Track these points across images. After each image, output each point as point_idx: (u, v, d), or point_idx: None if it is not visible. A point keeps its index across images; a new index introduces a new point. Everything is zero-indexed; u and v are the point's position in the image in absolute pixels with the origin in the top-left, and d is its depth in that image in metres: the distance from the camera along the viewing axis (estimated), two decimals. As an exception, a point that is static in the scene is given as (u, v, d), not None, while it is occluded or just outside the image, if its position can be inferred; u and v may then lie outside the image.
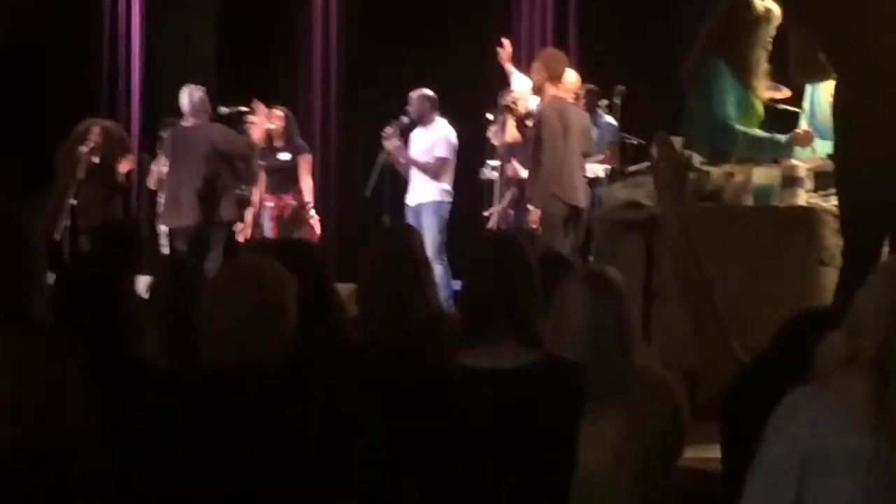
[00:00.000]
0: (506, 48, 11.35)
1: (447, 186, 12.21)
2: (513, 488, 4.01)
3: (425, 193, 12.15)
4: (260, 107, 11.34)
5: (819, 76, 6.43)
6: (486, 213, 11.89)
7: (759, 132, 7.30)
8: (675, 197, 4.63)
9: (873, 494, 3.13)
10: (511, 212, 11.08)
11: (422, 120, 12.22)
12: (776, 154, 7.25)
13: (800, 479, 3.20)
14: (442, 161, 12.15)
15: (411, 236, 5.56)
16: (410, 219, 11.91)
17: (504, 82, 11.65)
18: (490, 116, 11.43)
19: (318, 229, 12.10)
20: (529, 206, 10.23)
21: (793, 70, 6.62)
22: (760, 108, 7.40)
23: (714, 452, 4.80)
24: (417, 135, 12.29)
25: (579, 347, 4.22)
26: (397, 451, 4.27)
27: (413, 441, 4.17)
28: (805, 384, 3.35)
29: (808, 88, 7.21)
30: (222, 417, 3.92)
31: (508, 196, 11.40)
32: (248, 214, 11.79)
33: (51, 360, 4.09)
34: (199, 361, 4.12)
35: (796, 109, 7.60)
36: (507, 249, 4.31)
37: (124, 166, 11.87)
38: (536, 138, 9.90)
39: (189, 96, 11.21)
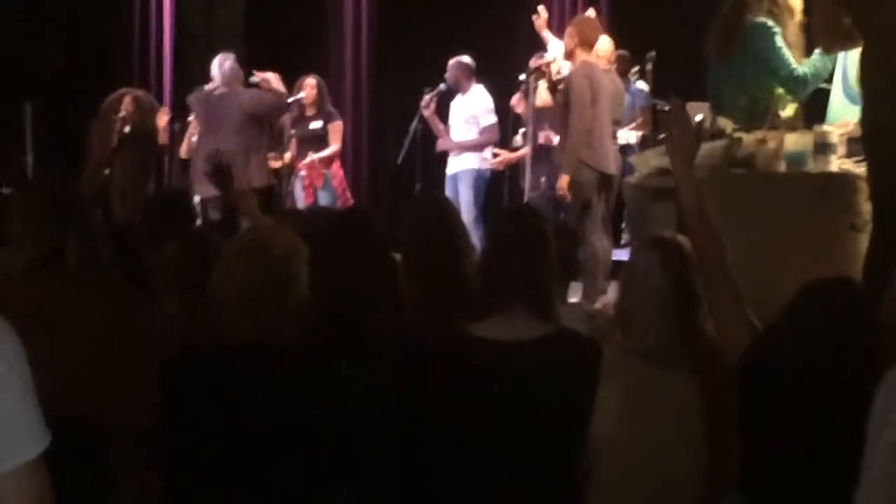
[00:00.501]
0: (541, 15, 11.32)
1: (487, 155, 12.20)
2: (524, 458, 4.02)
3: (464, 162, 12.13)
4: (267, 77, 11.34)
5: (847, 43, 6.38)
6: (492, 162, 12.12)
7: (813, 62, 7.17)
8: (687, 165, 4.68)
9: None
10: (542, 178, 11.03)
11: (458, 87, 12.22)
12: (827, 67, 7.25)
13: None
14: (488, 131, 12.16)
15: (447, 205, 5.56)
16: (448, 187, 12.02)
17: (538, 48, 11.65)
18: (522, 77, 11.32)
19: (349, 196, 12.19)
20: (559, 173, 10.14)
21: (821, 38, 6.65)
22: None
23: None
24: (456, 103, 12.29)
25: (648, 309, 4.27)
26: (410, 419, 4.27)
27: (427, 409, 4.17)
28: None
29: (840, 57, 7.12)
30: (237, 391, 3.95)
31: (524, 150, 11.48)
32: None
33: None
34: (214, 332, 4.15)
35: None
36: (526, 222, 4.31)
37: (161, 120, 11.91)
38: (565, 103, 9.83)
39: (220, 65, 11.16)
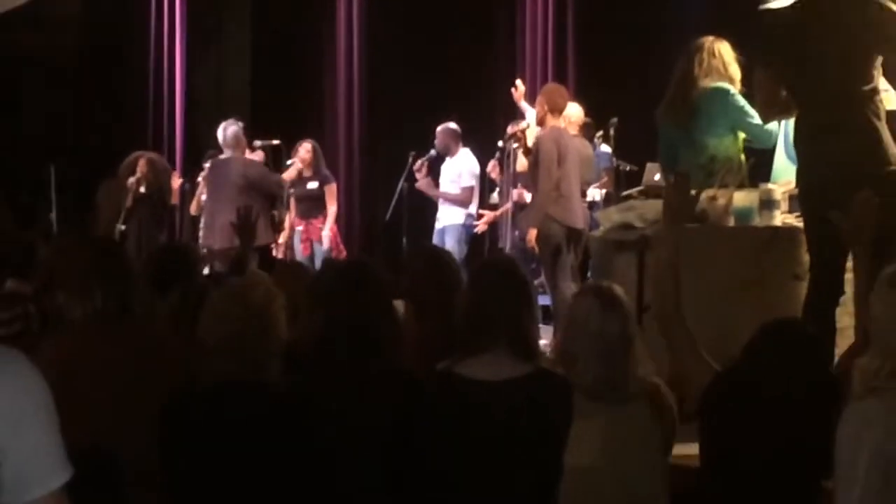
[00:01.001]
0: (518, 88, 11.35)
1: (472, 211, 12.24)
2: (508, 484, 4.03)
3: (451, 217, 12.19)
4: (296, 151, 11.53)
5: (784, 113, 6.44)
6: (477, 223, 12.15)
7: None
8: (679, 225, 4.84)
9: None
10: (516, 232, 11.05)
11: (447, 151, 12.27)
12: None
13: (888, 483, 3.29)
14: (468, 190, 12.21)
15: (447, 256, 5.66)
16: (436, 238, 12.04)
17: (511, 116, 11.72)
18: (500, 144, 11.37)
19: (342, 249, 12.20)
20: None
21: (760, 110, 6.69)
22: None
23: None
24: (445, 166, 12.31)
25: (587, 353, 4.27)
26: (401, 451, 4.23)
27: (420, 442, 4.16)
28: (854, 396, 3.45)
29: (782, 124, 7.14)
30: (225, 425, 3.95)
31: (504, 207, 11.45)
32: (281, 237, 11.84)
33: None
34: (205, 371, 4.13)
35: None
36: (507, 271, 4.34)
37: (175, 183, 12.05)
38: (535, 164, 9.82)
39: (224, 130, 11.12)
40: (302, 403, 4.09)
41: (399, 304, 4.99)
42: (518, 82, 11.57)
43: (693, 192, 5.97)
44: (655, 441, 4.40)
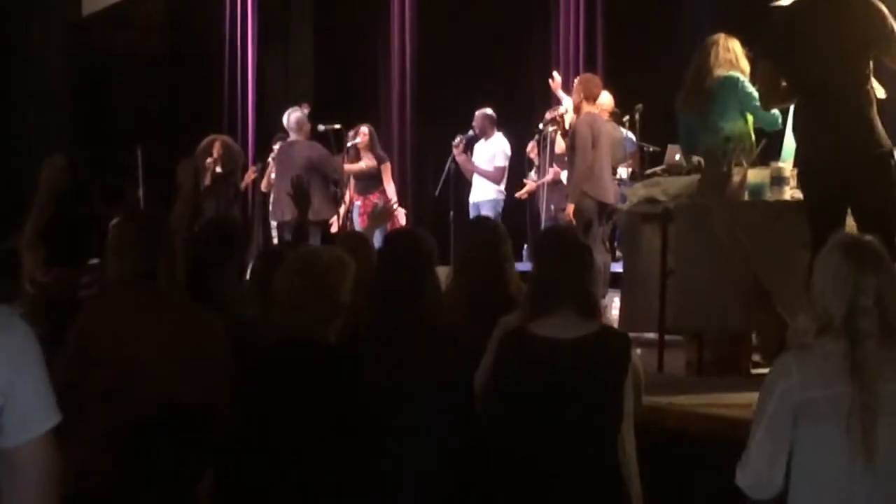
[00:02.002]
0: (556, 79, 11.29)
1: (502, 188, 12.37)
2: (572, 434, 3.99)
3: (485, 193, 12.29)
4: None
5: (784, 101, 6.35)
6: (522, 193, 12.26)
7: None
8: (717, 196, 4.74)
9: (854, 435, 3.19)
10: (552, 206, 11.12)
11: (483, 134, 12.34)
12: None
13: (792, 427, 3.27)
14: (501, 169, 12.30)
15: (498, 228, 5.53)
16: (472, 213, 12.06)
17: (546, 103, 11.78)
18: (540, 127, 11.44)
19: (402, 221, 12.10)
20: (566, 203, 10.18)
21: (762, 98, 6.61)
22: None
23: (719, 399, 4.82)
24: (480, 146, 12.38)
25: None
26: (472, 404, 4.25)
27: (487, 395, 4.17)
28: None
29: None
30: (290, 379, 3.97)
31: (543, 179, 11.55)
32: (341, 210, 11.81)
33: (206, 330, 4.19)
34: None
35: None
36: (570, 240, 4.34)
37: (249, 176, 12.09)
38: (571, 146, 9.84)
39: (288, 117, 11.38)
40: (354, 361, 4.07)
41: (443, 270, 4.93)
42: (555, 73, 11.53)
43: (677, 157, 5.93)
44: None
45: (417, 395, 4.09)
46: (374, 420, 4.00)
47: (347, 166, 11.92)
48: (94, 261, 5.53)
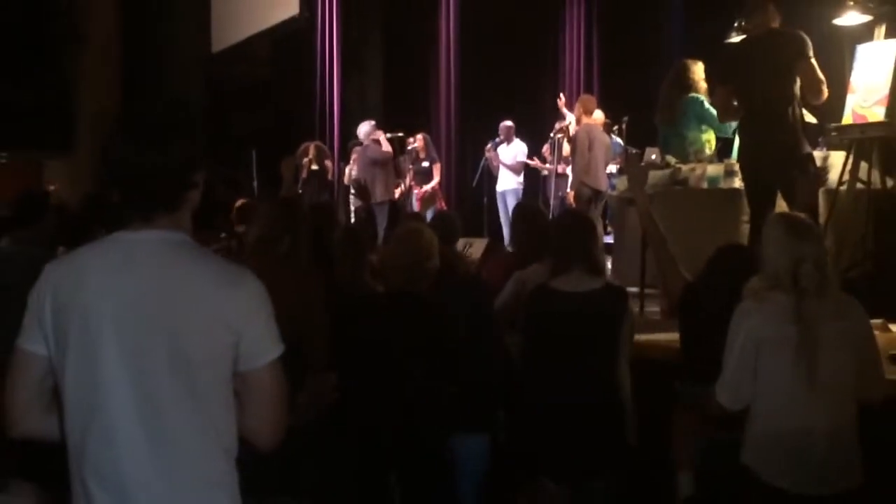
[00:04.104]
0: (562, 99, 11.39)
1: (521, 179, 12.34)
2: (587, 362, 4.01)
3: (508, 183, 12.24)
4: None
5: (735, 116, 6.32)
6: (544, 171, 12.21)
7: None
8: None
9: (802, 364, 3.20)
10: (560, 192, 11.18)
11: (506, 140, 12.32)
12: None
13: (756, 356, 3.26)
14: (521, 164, 12.29)
15: (539, 208, 5.65)
16: (498, 199, 12.14)
17: (553, 116, 11.77)
18: (551, 135, 11.42)
19: (444, 205, 12.18)
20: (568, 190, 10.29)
21: (719, 114, 6.58)
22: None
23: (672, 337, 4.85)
24: (503, 149, 12.35)
25: None
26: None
27: (523, 333, 4.21)
28: (740, 300, 3.38)
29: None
30: (396, 320, 3.98)
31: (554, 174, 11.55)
32: (397, 194, 11.81)
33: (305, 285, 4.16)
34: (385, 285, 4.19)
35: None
36: (581, 217, 4.43)
37: (329, 167, 12.12)
38: (572, 149, 9.91)
39: (360, 127, 11.42)
40: (443, 307, 4.08)
41: (480, 242, 5.00)
42: (561, 94, 11.66)
43: (653, 157, 5.87)
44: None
45: (459, 305, 4.19)
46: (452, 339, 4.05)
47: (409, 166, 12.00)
48: (223, 235, 5.64)
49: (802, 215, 3.53)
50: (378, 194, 10.87)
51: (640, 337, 4.92)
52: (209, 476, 2.16)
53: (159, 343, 2.11)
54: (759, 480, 3.28)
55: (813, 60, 5.75)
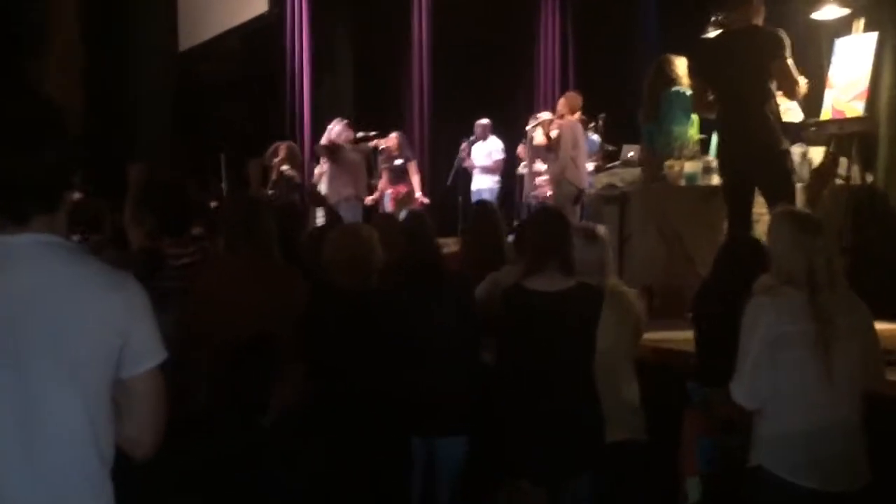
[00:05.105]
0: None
1: (497, 178, 12.36)
2: (561, 358, 4.02)
3: (483, 182, 12.28)
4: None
5: (709, 110, 6.37)
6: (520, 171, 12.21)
7: None
8: (649, 183, 4.76)
9: (819, 358, 3.25)
10: (532, 192, 11.21)
11: (481, 137, 12.34)
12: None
13: (774, 353, 3.28)
14: (499, 162, 12.32)
15: (495, 211, 5.61)
16: (473, 198, 11.98)
17: (528, 112, 11.88)
18: (528, 127, 11.38)
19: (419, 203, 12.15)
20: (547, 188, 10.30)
21: (695, 108, 6.66)
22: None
23: (667, 336, 4.86)
24: (478, 147, 12.37)
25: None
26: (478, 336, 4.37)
27: (497, 334, 4.23)
28: (754, 295, 3.40)
29: None
30: (342, 315, 4.04)
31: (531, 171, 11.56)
32: (375, 195, 11.78)
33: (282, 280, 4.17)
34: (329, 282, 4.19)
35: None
36: (556, 215, 4.33)
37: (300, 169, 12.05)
38: (557, 145, 9.90)
39: (331, 127, 11.17)
40: (393, 304, 4.16)
41: (454, 241, 5.02)
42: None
43: (630, 154, 5.91)
44: (624, 330, 4.39)
45: (443, 306, 4.28)
46: (411, 343, 4.11)
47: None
48: (196, 230, 5.60)
49: (806, 211, 3.60)
50: (347, 193, 10.83)
51: (654, 335, 4.91)
52: (88, 487, 2.13)
53: (44, 348, 2.07)
54: (775, 479, 3.29)
55: (789, 60, 5.78)
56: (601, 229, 4.57)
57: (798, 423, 3.28)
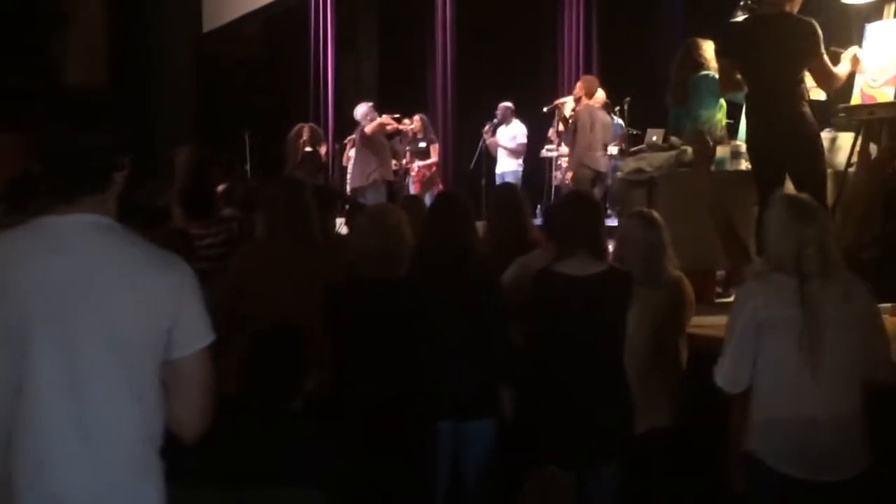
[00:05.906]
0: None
1: (520, 161, 12.39)
2: (592, 342, 4.02)
3: (507, 165, 12.32)
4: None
5: (736, 90, 6.31)
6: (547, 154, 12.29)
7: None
8: (706, 167, 4.91)
9: (803, 348, 3.22)
10: (558, 173, 11.23)
11: (504, 121, 12.37)
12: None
13: (757, 338, 3.27)
14: (522, 146, 12.35)
15: (518, 191, 5.59)
16: (497, 181, 12.00)
17: (552, 96, 11.93)
18: (545, 110, 11.45)
19: (441, 187, 12.19)
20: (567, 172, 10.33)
21: (721, 87, 6.60)
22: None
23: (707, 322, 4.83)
24: (502, 130, 12.40)
25: (635, 256, 4.32)
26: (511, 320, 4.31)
27: (527, 318, 4.21)
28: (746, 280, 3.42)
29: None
30: (369, 304, 3.97)
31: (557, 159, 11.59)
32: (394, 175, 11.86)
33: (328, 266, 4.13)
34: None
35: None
36: (587, 199, 4.36)
37: (323, 150, 12.11)
38: (574, 129, 9.88)
39: (357, 109, 11.44)
40: (422, 292, 4.07)
41: (479, 224, 5.01)
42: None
43: (654, 138, 5.93)
44: (677, 316, 4.39)
45: (472, 290, 4.22)
46: (438, 329, 4.06)
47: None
48: (227, 211, 5.66)
49: (807, 197, 3.54)
50: (375, 176, 10.89)
51: (704, 319, 4.94)
52: (138, 466, 2.18)
53: (95, 328, 2.11)
54: (764, 466, 3.29)
55: (825, 57, 5.75)
56: (657, 214, 4.56)
57: (780, 410, 3.26)
